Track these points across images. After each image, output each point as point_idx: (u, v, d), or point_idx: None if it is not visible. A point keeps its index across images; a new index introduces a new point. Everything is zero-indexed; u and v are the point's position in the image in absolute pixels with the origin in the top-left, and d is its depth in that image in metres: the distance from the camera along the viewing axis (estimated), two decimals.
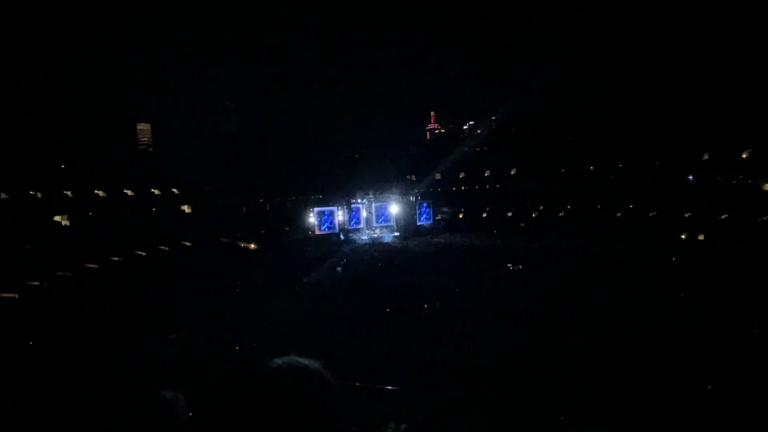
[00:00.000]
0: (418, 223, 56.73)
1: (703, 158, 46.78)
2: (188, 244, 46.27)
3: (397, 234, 53.78)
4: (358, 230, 54.01)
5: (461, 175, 63.73)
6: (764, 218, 37.86)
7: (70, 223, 44.62)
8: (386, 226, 54.94)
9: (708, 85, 49.72)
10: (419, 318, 22.65)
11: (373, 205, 54.69)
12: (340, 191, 54.69)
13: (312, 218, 52.29)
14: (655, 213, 45.42)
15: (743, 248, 33.47)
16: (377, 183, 56.85)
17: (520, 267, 34.23)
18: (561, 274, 30.44)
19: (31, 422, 12.48)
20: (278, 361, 1.34)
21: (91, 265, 37.60)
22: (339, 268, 37.97)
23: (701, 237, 39.33)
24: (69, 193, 45.42)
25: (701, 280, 26.70)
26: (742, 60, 48.80)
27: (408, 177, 63.09)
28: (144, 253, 42.50)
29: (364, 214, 54.34)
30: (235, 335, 20.97)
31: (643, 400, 13.41)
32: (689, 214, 42.47)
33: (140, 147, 74.92)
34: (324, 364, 1.43)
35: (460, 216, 59.44)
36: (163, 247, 44.42)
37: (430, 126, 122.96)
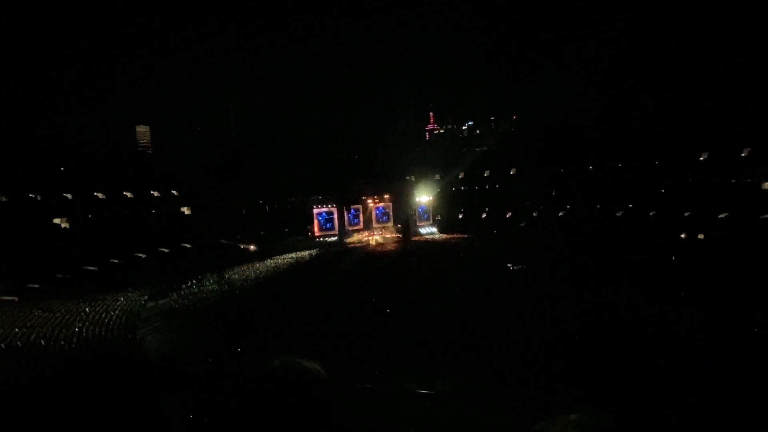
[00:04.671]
0: (418, 223, 56.73)
1: (703, 158, 46.78)
2: (188, 245, 46.23)
3: (397, 234, 53.82)
4: (357, 230, 54.06)
5: (461, 176, 63.70)
6: (764, 216, 37.84)
7: (70, 225, 44.57)
8: (386, 226, 54.99)
9: (707, 85, 49.75)
10: (420, 317, 22.63)
11: (372, 205, 54.75)
12: (340, 192, 54.70)
13: (312, 219, 52.34)
14: (654, 212, 45.43)
15: (743, 247, 33.46)
16: (377, 184, 56.86)
17: (520, 267, 34.22)
18: (561, 274, 30.43)
19: (30, 422, 12.46)
20: (276, 361, 1.33)
21: (90, 267, 37.56)
22: (338, 269, 38.02)
23: (701, 236, 39.32)
24: (69, 195, 45.38)
25: (701, 279, 26.69)
26: (741, 60, 48.84)
27: (407, 177, 63.13)
28: (144, 255, 42.47)
29: (363, 214, 54.38)
30: (236, 336, 20.97)
31: (641, 396, 13.41)
32: (689, 213, 42.46)
33: (139, 149, 74.84)
34: (324, 365, 1.42)
35: (460, 216, 59.42)
36: (163, 249, 44.39)
37: (429, 126, 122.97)
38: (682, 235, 40.32)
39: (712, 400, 13.01)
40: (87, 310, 26.20)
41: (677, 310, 21.65)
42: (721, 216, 40.50)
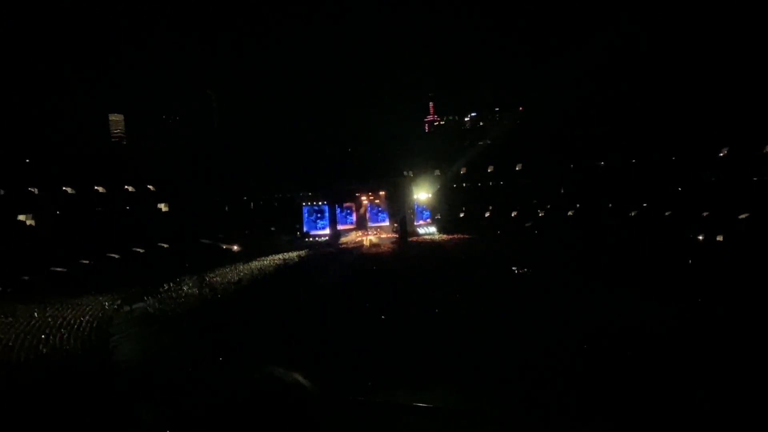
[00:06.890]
0: (416, 223, 56.83)
1: (722, 154, 47.06)
2: (165, 245, 46.09)
3: (393, 234, 53.92)
4: (350, 230, 54.12)
5: (462, 171, 63.83)
6: None
7: (36, 222, 44.31)
8: (382, 226, 55.09)
9: (728, 76, 50.01)
10: (418, 325, 22.67)
11: (366, 203, 54.83)
12: (331, 188, 54.71)
13: (300, 217, 52.38)
14: (670, 212, 45.69)
15: (764, 250, 33.69)
16: (372, 179, 56.90)
17: (526, 270, 34.35)
18: (569, 279, 30.52)
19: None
20: (255, 372, 1.34)
21: (58, 269, 37.39)
22: (329, 272, 38.06)
23: (720, 238, 39.58)
24: (34, 190, 45.10)
25: (719, 284, 26.87)
26: (762, 53, 49.12)
27: (405, 173, 63.17)
28: (117, 256, 42.31)
29: (356, 212, 54.45)
30: (217, 344, 20.93)
31: (651, 400, 13.53)
32: (707, 213, 42.73)
33: (113, 140, 74.52)
34: (305, 375, 1.43)
35: (461, 215, 59.51)
36: (138, 249, 44.23)
37: (429, 118, 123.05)
38: (700, 237, 40.61)
39: (726, 407, 13.14)
40: (49, 317, 26.08)
41: (694, 317, 21.79)
42: (741, 216, 40.80)
